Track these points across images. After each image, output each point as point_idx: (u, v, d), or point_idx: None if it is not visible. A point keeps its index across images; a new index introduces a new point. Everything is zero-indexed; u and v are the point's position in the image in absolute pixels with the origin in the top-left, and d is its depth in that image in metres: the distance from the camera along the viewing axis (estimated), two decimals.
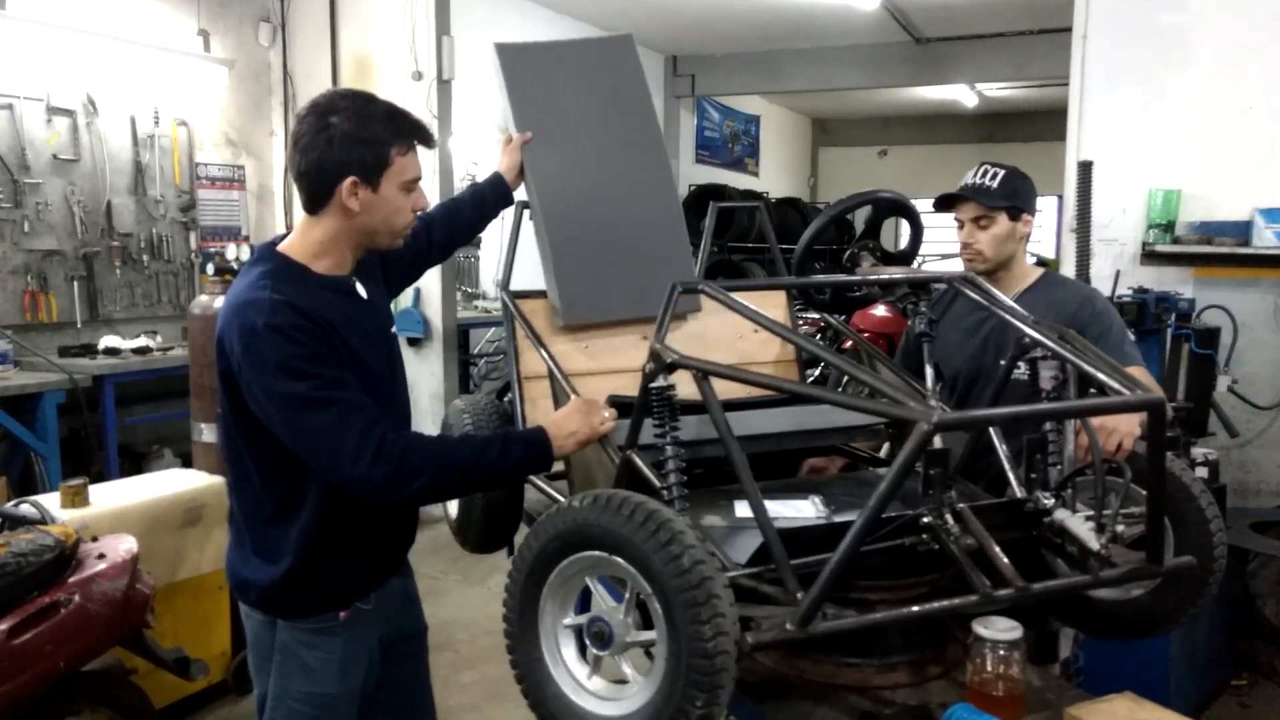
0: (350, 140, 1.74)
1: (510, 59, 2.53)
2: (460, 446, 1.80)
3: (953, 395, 2.39)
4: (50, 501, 3.09)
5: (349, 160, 1.74)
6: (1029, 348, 1.86)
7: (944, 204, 2.48)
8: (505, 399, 2.87)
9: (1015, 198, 2.38)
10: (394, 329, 2.05)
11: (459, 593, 4.78)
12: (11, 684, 2.42)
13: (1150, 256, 4.48)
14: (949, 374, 2.48)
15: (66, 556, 2.61)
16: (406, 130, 1.79)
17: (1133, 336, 2.58)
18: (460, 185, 6.39)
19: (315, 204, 1.80)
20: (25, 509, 2.94)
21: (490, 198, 2.39)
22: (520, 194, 2.47)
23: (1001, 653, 1.57)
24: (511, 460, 1.77)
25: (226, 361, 1.76)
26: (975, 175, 2.42)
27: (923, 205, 2.32)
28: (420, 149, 1.84)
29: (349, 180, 1.75)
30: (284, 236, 1.90)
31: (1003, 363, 2.00)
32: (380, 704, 2.04)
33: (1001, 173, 2.40)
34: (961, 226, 2.45)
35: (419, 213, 1.88)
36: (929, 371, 2.04)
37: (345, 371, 1.74)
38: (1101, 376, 1.56)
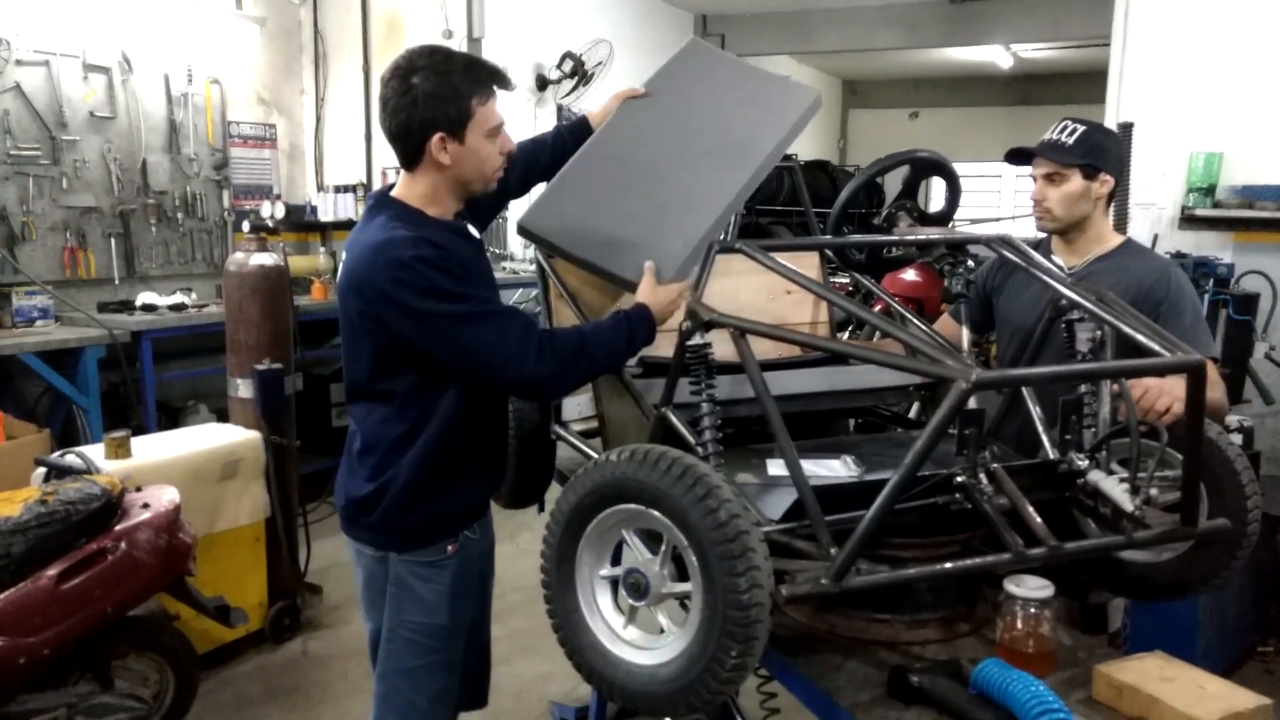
0: (432, 98, 1.82)
1: (690, 54, 2.47)
2: (598, 337, 1.89)
3: (1023, 352, 2.24)
4: (94, 453, 3.16)
5: (434, 117, 1.83)
6: (1066, 309, 1.85)
7: (1016, 157, 2.37)
8: None
9: (1092, 156, 2.25)
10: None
11: None
12: (62, 626, 2.50)
13: (1189, 221, 4.42)
14: (1014, 331, 2.41)
15: (113, 505, 2.68)
16: (484, 79, 1.87)
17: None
18: None
19: (410, 162, 1.90)
20: (71, 459, 3.02)
21: (569, 141, 2.37)
22: None
23: (1033, 610, 1.59)
24: (635, 339, 1.90)
25: (364, 303, 1.85)
26: (1053, 131, 2.31)
27: (957, 169, 2.29)
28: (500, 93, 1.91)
29: (436, 136, 1.84)
30: (391, 186, 1.99)
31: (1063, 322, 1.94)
32: None
33: (1080, 129, 2.28)
34: (1035, 182, 2.34)
35: (506, 155, 1.94)
36: (964, 332, 2.04)
37: (490, 290, 1.88)
38: (1140, 338, 1.55)
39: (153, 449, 3.37)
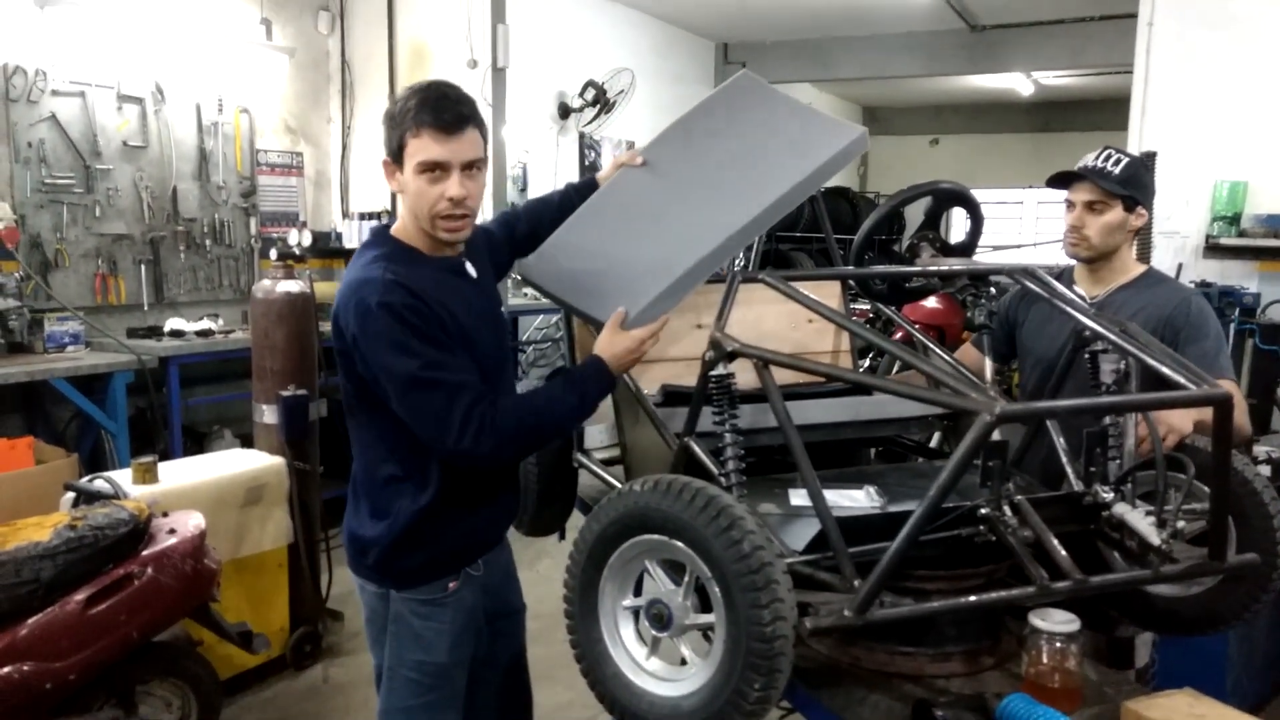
0: (384, 124, 1.86)
1: (738, 87, 2.39)
2: (546, 405, 1.88)
3: (1046, 382, 2.23)
4: (122, 477, 3.20)
5: (385, 143, 1.86)
6: (1089, 340, 1.85)
7: (1058, 181, 2.35)
8: None
9: (1133, 187, 2.25)
10: (504, 308, 2.12)
11: None
12: (88, 651, 2.52)
13: (1214, 250, 4.40)
14: (1037, 361, 2.40)
15: (140, 531, 2.71)
16: (414, 111, 1.79)
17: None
18: (513, 172, 6.45)
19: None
20: (100, 484, 3.05)
21: (576, 200, 2.33)
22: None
23: (1058, 645, 1.57)
24: (588, 396, 1.90)
25: (343, 340, 1.86)
26: (1097, 158, 2.29)
27: (978, 196, 2.29)
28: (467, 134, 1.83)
29: (383, 161, 1.88)
30: (394, 221, 1.99)
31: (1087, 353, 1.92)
32: (482, 679, 2.13)
33: (1125, 159, 2.27)
34: (1071, 208, 2.32)
35: (453, 201, 1.83)
36: (987, 362, 2.03)
37: (451, 352, 1.81)
38: (1165, 370, 1.55)
39: (179, 474, 3.41)
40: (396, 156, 1.84)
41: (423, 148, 1.80)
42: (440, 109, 1.79)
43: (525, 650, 2.30)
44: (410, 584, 1.96)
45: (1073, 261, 2.43)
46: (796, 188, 2.01)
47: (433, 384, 1.76)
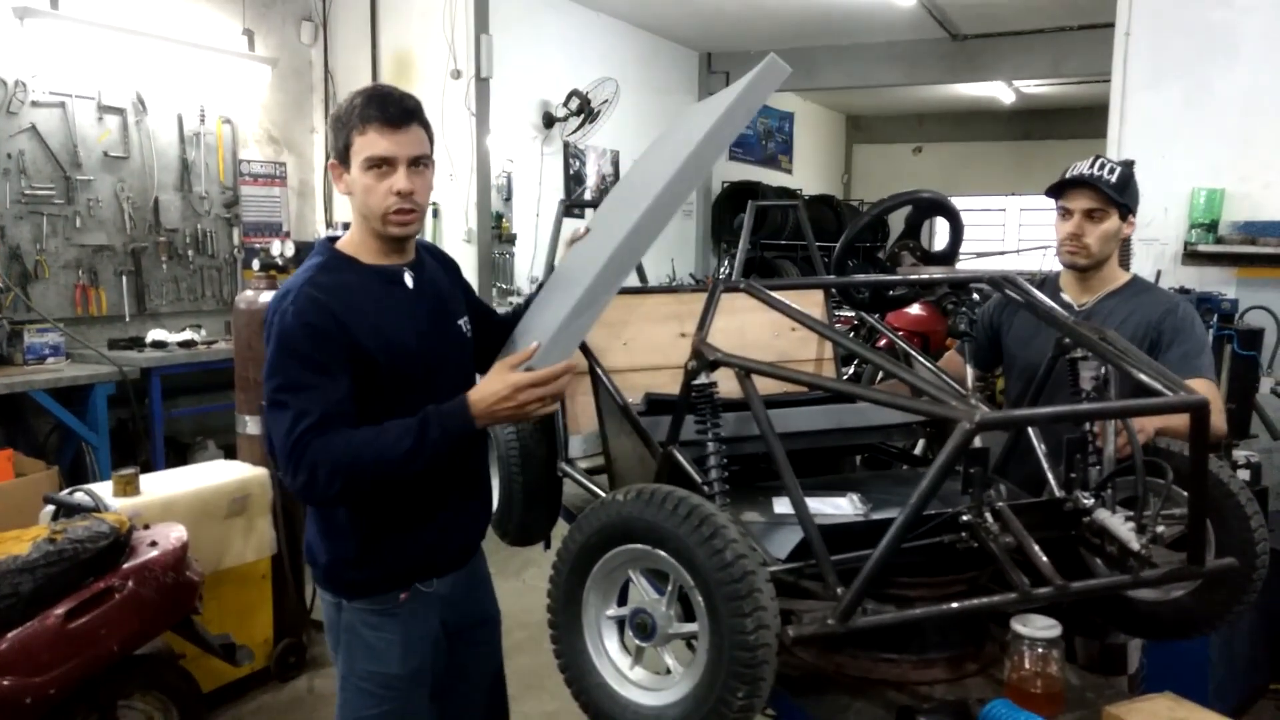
0: (330, 127, 1.88)
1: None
2: (374, 442, 1.75)
3: (1027, 388, 2.24)
4: (103, 490, 3.17)
5: (331, 145, 1.88)
6: (1069, 347, 1.86)
7: (1058, 190, 2.34)
8: None
9: (1126, 195, 2.27)
10: (461, 322, 2.04)
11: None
12: (68, 665, 2.50)
13: (1192, 256, 4.43)
14: (1022, 369, 2.41)
15: (121, 544, 2.69)
16: (359, 108, 1.81)
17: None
18: (497, 182, 6.45)
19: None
20: (80, 497, 3.02)
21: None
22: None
23: (1040, 650, 1.58)
24: (431, 440, 1.75)
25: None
26: (1092, 165, 2.28)
27: (961, 204, 2.30)
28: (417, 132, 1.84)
29: (330, 164, 1.90)
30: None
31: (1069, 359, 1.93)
32: (453, 690, 2.11)
33: (1119, 168, 2.27)
34: (1066, 216, 2.31)
35: (400, 195, 1.82)
36: (969, 370, 2.04)
37: (330, 375, 1.76)
38: (1143, 377, 1.56)
39: (161, 486, 3.39)
40: (343, 156, 1.84)
41: (369, 144, 1.80)
42: (385, 104, 1.81)
43: (501, 659, 2.27)
44: (359, 595, 1.95)
45: (1058, 268, 2.45)
46: (695, 153, 1.77)
47: (280, 406, 1.73)
